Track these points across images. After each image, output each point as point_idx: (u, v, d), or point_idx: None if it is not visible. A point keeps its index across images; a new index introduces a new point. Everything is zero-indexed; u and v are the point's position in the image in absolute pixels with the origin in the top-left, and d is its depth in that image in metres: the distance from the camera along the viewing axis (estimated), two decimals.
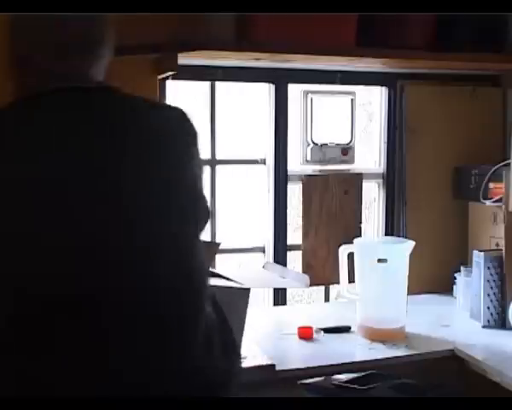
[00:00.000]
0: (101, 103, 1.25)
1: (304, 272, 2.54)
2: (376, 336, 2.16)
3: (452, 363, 2.07)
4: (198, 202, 1.29)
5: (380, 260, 2.15)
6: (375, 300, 2.20)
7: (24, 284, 1.14)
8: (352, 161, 2.70)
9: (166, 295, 1.20)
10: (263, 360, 1.93)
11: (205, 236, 2.59)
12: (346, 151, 2.68)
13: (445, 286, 2.69)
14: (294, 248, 2.69)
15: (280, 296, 2.68)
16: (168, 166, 1.23)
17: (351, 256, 2.25)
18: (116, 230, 1.16)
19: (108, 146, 1.20)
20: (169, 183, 1.22)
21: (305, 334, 2.19)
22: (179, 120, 1.29)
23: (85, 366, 1.15)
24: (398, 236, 2.70)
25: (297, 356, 2.14)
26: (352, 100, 2.69)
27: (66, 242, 1.14)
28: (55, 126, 1.20)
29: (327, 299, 2.78)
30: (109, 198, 1.17)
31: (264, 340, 2.15)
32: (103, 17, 1.30)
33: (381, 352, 2.08)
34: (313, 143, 2.63)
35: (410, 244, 2.22)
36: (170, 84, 2.39)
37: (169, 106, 1.32)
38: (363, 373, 1.87)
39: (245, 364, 1.89)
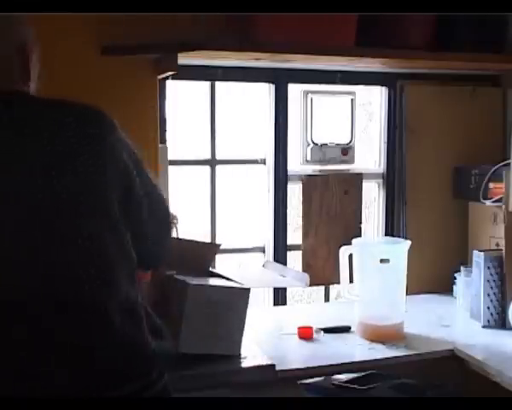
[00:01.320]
0: (24, 107, 1.29)
1: (304, 271, 2.54)
2: (375, 334, 2.16)
3: (452, 363, 2.07)
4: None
5: (382, 261, 2.15)
6: (374, 299, 2.20)
7: None
8: (352, 161, 2.70)
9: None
10: (263, 360, 1.93)
11: (205, 236, 2.60)
12: (346, 151, 2.68)
13: (445, 286, 2.69)
14: (294, 248, 2.69)
15: (280, 296, 2.68)
16: (81, 164, 1.25)
17: (351, 257, 2.25)
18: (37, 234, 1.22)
19: (26, 144, 1.24)
20: (83, 181, 1.25)
21: (305, 334, 2.19)
22: (91, 117, 1.32)
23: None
24: (398, 236, 2.70)
25: (297, 356, 2.14)
26: (352, 100, 2.69)
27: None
28: None
29: (327, 299, 2.79)
30: (28, 199, 1.22)
31: (264, 340, 2.15)
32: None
33: (380, 352, 2.08)
34: (313, 143, 2.63)
35: (408, 244, 2.22)
36: (170, 84, 2.39)
37: (81, 104, 1.35)
38: (363, 373, 1.88)
39: (245, 364, 1.89)
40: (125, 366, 1.27)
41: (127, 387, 1.26)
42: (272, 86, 2.60)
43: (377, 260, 2.15)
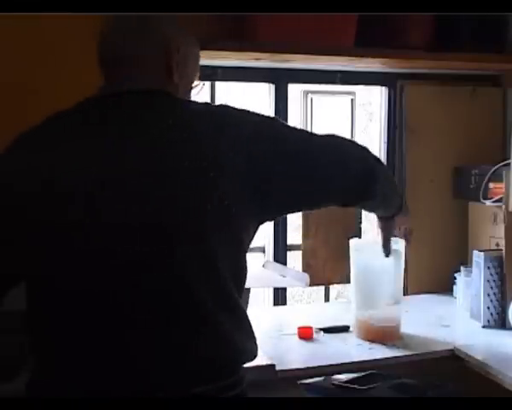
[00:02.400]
0: (160, 105, 1.29)
1: (304, 271, 2.54)
2: (375, 334, 2.16)
3: (452, 363, 2.07)
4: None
5: (382, 260, 2.15)
6: (374, 299, 2.20)
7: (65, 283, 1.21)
8: None
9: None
10: (263, 360, 1.92)
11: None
12: None
13: (444, 286, 2.69)
14: (294, 248, 2.69)
15: (280, 296, 2.68)
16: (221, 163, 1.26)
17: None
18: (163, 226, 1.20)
19: (165, 142, 1.24)
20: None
21: (305, 334, 2.19)
22: (230, 118, 1.38)
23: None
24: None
25: (297, 356, 2.14)
26: (352, 100, 2.69)
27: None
28: (117, 124, 1.26)
29: (327, 299, 2.78)
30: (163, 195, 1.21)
31: (264, 340, 2.14)
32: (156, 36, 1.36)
33: (380, 352, 2.07)
34: None
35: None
36: None
37: (216, 105, 1.40)
38: (363, 373, 1.87)
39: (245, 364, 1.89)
40: (217, 364, 1.27)
41: (211, 385, 1.26)
42: (272, 86, 2.60)
43: (377, 259, 2.15)
